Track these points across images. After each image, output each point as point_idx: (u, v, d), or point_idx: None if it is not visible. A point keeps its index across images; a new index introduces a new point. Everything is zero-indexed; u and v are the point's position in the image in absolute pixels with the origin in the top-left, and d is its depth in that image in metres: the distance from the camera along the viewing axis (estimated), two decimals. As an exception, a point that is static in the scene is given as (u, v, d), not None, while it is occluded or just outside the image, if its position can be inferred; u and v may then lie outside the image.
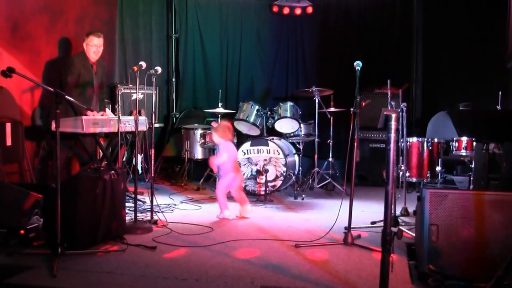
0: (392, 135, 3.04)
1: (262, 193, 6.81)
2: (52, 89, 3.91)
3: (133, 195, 5.35)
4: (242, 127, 7.53)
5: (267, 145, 7.01)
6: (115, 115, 5.84)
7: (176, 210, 6.01)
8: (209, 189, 7.57)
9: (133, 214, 5.01)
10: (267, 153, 7.01)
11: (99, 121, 5.49)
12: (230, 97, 9.36)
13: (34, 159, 6.34)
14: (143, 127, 6.02)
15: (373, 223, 5.24)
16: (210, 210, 5.95)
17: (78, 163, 6.12)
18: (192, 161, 8.25)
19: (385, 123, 3.10)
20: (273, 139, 7.18)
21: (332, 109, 7.66)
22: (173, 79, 9.62)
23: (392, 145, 3.03)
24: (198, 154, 8.02)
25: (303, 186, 7.41)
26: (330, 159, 7.72)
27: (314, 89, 7.42)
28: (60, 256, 3.72)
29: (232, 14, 9.49)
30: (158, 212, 5.32)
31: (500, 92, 6.17)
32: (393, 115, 3.04)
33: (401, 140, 5.67)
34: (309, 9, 9.13)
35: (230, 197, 5.80)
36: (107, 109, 6.13)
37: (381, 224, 3.82)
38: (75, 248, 3.97)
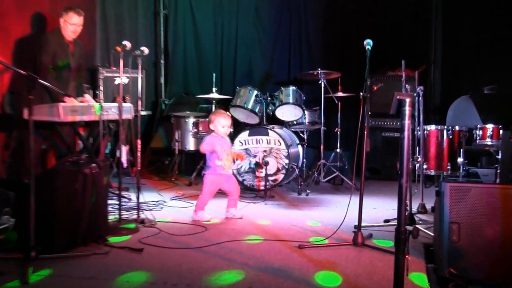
0: (406, 121, 3.01)
1: (262, 188, 6.80)
2: (24, 72, 3.87)
3: (117, 192, 5.34)
4: (239, 115, 7.49)
5: (267, 134, 6.99)
6: (97, 101, 5.80)
7: (166, 207, 6.00)
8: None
9: (117, 213, 4.99)
10: (267, 143, 6.99)
11: (79, 108, 5.45)
12: (226, 81, 9.34)
13: (3, 151, 6.31)
14: (128, 115, 5.98)
15: (386, 221, 5.22)
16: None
17: (54, 155, 6.10)
18: (183, 153, 8.23)
19: (398, 108, 3.07)
20: (273, 127, 7.16)
21: (340, 94, 7.63)
22: (162, 61, 9.60)
23: (406, 133, 3.00)
24: (190, 145, 7.99)
25: (307, 180, 7.39)
26: (338, 150, 7.70)
27: (319, 72, 7.38)
28: (34, 261, 3.69)
29: (228, -13, 9.46)
30: (146, 210, 5.31)
31: (529, 74, 6.14)
32: (407, 100, 3.01)
33: (418, 128, 5.64)
34: (314, -18, 9.10)
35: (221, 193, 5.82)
36: (87, 95, 6.09)
37: (395, 222, 3.80)
38: (52, 251, 3.95)
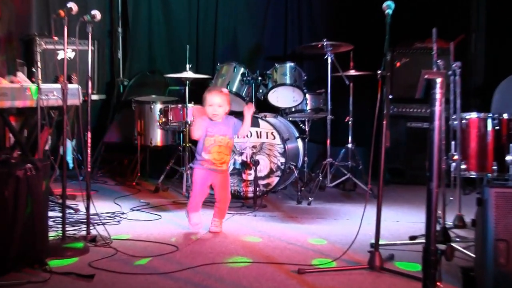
0: (437, 108, 3.00)
1: (251, 195, 6.79)
2: None
3: (60, 200, 5.30)
4: (221, 100, 7.48)
5: (257, 125, 7.00)
6: (33, 82, 5.76)
7: (125, 221, 5.99)
8: (172, 189, 7.53)
9: (61, 228, 4.96)
10: (258, 137, 6.98)
11: (9, 91, 5.41)
12: (203, 56, 9.37)
13: None
14: (75, 99, 5.95)
15: (412, 238, 5.22)
16: (175, 221, 5.91)
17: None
18: (148, 149, 8.20)
19: (426, 91, 3.06)
20: (265, 116, 7.15)
21: (352, 72, 7.62)
22: (119, 30, 9.54)
23: (437, 123, 2.99)
24: (157, 139, 7.99)
25: (309, 184, 7.39)
26: (349, 146, 7.70)
27: (325, 44, 7.38)
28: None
29: None
30: (98, 225, 5.29)
31: None
32: (438, 80, 3.00)
33: (454, 116, 5.64)
34: None
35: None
36: (20, 73, 6.05)
37: (424, 239, 3.80)
38: (-26, 278, 3.94)
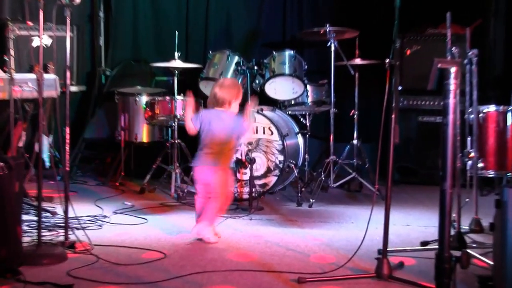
0: (451, 100, 2.99)
1: (246, 196, 6.79)
2: None
3: (35, 203, 5.28)
4: (213, 91, 7.47)
5: (254, 119, 6.97)
6: (5, 71, 5.74)
7: (107, 225, 5.98)
8: (160, 190, 7.51)
9: (36, 233, 4.94)
10: (253, 132, 6.97)
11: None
12: (194, 44, 9.37)
13: None
14: (51, 91, 5.94)
15: (423, 244, 5.22)
16: (162, 225, 5.90)
17: None
18: (132, 146, 8.20)
19: (439, 82, 3.05)
20: (262, 110, 7.16)
21: (358, 61, 7.62)
22: (101, 15, 9.53)
23: (450, 117, 2.99)
24: (143, 135, 7.98)
25: (311, 185, 7.38)
26: (355, 142, 7.70)
27: (328, 29, 7.37)
28: None
29: None
30: (77, 229, 5.29)
31: None
32: (452, 69, 3.00)
33: (470, 110, 5.64)
34: None
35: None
36: (-10, 63, 6.04)
37: (437, 245, 3.79)
38: None
